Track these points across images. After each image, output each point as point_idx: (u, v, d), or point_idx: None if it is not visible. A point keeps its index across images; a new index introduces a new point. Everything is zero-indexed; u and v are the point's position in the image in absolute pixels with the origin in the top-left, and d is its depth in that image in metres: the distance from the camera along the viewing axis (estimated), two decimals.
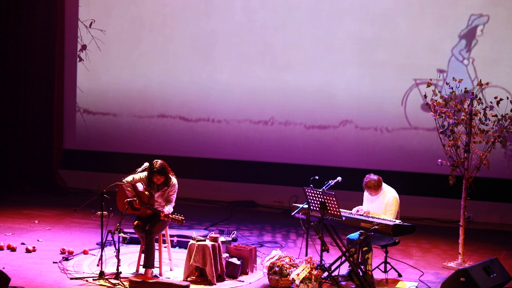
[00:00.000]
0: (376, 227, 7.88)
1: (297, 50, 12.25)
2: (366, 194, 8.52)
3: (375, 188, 8.35)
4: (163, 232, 8.47)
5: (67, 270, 8.35)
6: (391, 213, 8.28)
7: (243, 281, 8.21)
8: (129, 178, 8.29)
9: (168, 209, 8.17)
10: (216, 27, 12.57)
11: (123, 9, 13.01)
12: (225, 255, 8.35)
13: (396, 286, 8.19)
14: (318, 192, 8.05)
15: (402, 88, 11.76)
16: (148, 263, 8.15)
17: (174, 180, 8.33)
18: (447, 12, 11.53)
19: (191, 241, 8.17)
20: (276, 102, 12.40)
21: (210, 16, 12.57)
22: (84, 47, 13.15)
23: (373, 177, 8.37)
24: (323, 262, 8.05)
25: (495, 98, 9.09)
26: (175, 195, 8.33)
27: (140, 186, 8.39)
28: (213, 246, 8.10)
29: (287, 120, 12.41)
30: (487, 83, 9.18)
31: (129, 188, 8.23)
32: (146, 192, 8.26)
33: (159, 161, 8.24)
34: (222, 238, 8.56)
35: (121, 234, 8.11)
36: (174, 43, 12.80)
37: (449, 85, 9.12)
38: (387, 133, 11.92)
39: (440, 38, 11.59)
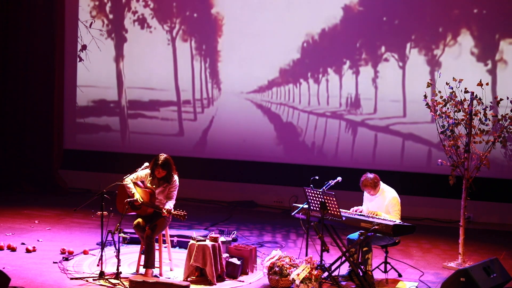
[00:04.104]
0: (376, 227, 7.88)
1: (297, 49, 12.24)
2: (365, 194, 8.53)
3: (372, 186, 8.35)
4: (163, 232, 8.47)
5: (67, 270, 8.35)
6: (396, 214, 8.28)
7: (243, 281, 8.21)
8: (130, 177, 8.30)
9: (169, 205, 8.18)
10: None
11: (123, 9, 13.00)
12: (225, 255, 8.35)
13: (396, 286, 8.19)
14: (318, 192, 8.05)
15: (402, 88, 11.76)
16: (148, 263, 8.15)
17: (175, 177, 8.34)
18: (447, 11, 11.54)
19: (191, 241, 8.17)
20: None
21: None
22: (84, 47, 13.13)
23: (370, 175, 8.38)
24: (323, 262, 8.05)
25: (495, 98, 9.08)
26: (175, 192, 8.33)
27: (141, 185, 8.39)
28: (213, 246, 8.10)
29: (287, 120, 12.41)
30: (487, 83, 9.16)
31: (130, 186, 8.22)
32: (147, 190, 8.26)
33: (164, 155, 8.25)
34: (222, 238, 8.56)
35: (121, 234, 8.11)
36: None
37: (449, 85, 9.12)
38: (387, 133, 11.92)
39: (440, 37, 11.58)
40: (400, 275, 8.54)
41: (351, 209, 8.46)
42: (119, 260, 8.01)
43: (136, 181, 8.34)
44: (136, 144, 13.05)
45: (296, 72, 12.34)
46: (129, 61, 13.10)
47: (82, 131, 13.37)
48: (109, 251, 8.52)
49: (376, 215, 8.26)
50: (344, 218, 8.06)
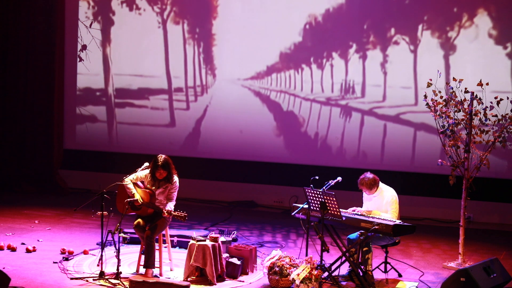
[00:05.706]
0: (376, 227, 7.88)
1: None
2: (364, 193, 8.53)
3: (368, 186, 8.35)
4: (163, 232, 8.48)
5: (67, 270, 8.36)
6: (393, 212, 8.28)
7: (243, 281, 8.22)
8: (130, 178, 8.30)
9: (170, 207, 8.18)
10: (217, 26, 12.50)
11: (123, 9, 12.98)
12: (225, 255, 8.35)
13: (396, 286, 8.19)
14: (318, 192, 8.06)
15: (402, 88, 11.73)
16: (149, 263, 8.15)
17: (175, 177, 8.34)
18: (447, 12, 11.52)
19: (191, 241, 8.18)
20: (276, 102, 12.37)
21: (211, 15, 12.54)
22: (84, 47, 13.13)
23: (369, 175, 8.38)
24: (323, 262, 8.06)
25: (495, 98, 9.07)
26: (176, 193, 8.34)
27: (141, 186, 8.39)
28: (213, 246, 8.10)
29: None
30: (487, 83, 9.15)
31: (130, 187, 8.22)
32: (147, 191, 8.26)
33: (163, 156, 8.26)
34: (222, 238, 8.57)
35: (121, 234, 8.11)
36: (174, 42, 12.74)
37: (449, 85, 9.11)
38: (388, 133, 11.89)
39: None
40: (400, 275, 8.54)
41: (349, 209, 8.47)
42: (119, 260, 8.02)
43: (136, 182, 8.35)
44: (136, 144, 12.91)
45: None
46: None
47: (82, 131, 13.30)
48: (109, 251, 8.52)
49: (371, 213, 8.27)
50: (344, 218, 8.06)
